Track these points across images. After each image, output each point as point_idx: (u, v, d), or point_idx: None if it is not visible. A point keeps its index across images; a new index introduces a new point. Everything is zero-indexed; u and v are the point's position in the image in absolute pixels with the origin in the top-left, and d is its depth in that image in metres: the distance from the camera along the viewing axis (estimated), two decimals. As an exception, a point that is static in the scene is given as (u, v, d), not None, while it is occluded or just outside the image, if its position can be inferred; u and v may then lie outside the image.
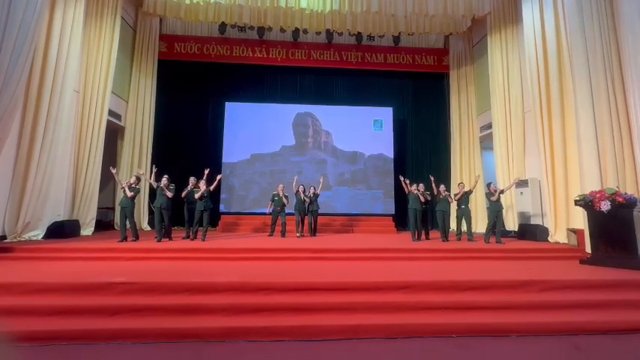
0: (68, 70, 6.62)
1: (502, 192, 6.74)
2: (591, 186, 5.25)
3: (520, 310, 3.30)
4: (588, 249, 5.15)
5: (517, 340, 2.89)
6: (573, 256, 5.33)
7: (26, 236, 5.91)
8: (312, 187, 7.74)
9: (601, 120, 5.47)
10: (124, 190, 6.16)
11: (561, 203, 6.37)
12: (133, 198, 6.22)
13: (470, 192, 7.07)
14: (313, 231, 7.57)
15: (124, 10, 8.41)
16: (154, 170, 6.69)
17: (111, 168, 6.45)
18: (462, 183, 7.42)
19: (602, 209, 4.61)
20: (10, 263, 4.43)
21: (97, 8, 7.59)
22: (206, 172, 6.77)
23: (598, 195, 4.74)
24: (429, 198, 7.13)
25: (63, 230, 6.34)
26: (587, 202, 4.89)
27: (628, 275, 3.99)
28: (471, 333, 2.96)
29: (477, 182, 7.26)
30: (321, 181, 8.01)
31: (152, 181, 6.55)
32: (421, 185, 7.09)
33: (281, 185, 7.69)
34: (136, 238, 6.17)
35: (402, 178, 7.31)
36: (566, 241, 6.25)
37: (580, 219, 5.64)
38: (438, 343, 2.82)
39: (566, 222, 6.28)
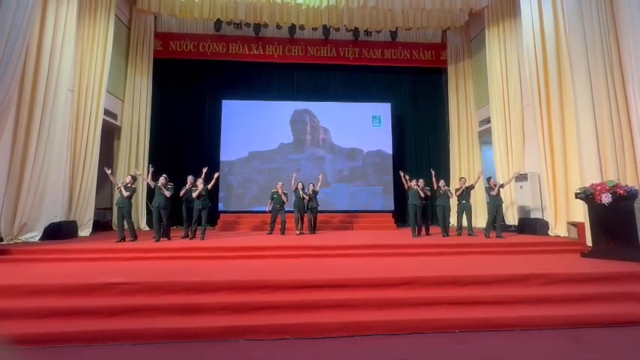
0: (62, 68, 6.54)
1: (502, 186, 6.72)
2: (591, 178, 5.24)
3: (522, 304, 3.28)
4: (589, 242, 5.14)
5: (519, 334, 2.88)
6: (574, 249, 5.32)
7: (23, 238, 5.85)
8: (311, 185, 7.70)
9: (600, 112, 5.45)
10: (120, 190, 6.11)
11: (561, 196, 6.36)
12: (129, 198, 6.17)
13: (471, 187, 7.04)
14: (313, 228, 7.54)
15: (117, 8, 8.30)
16: (151, 170, 6.65)
17: (105, 169, 6.39)
18: (463, 178, 7.39)
19: (603, 202, 4.59)
20: (6, 265, 4.37)
21: (91, 6, 7.49)
22: (204, 170, 6.72)
23: (599, 187, 4.72)
24: (428, 193, 7.12)
25: (60, 231, 6.29)
26: (587, 195, 4.87)
27: (629, 267, 3.98)
28: (473, 328, 2.94)
29: (479, 178, 7.23)
30: (320, 178, 7.97)
31: (149, 180, 6.50)
32: (421, 181, 7.07)
33: (280, 183, 7.66)
34: (134, 238, 6.12)
35: (401, 174, 7.29)
36: (567, 235, 6.24)
37: (580, 212, 5.63)
38: (439, 338, 2.80)
39: (566, 215, 6.27)
